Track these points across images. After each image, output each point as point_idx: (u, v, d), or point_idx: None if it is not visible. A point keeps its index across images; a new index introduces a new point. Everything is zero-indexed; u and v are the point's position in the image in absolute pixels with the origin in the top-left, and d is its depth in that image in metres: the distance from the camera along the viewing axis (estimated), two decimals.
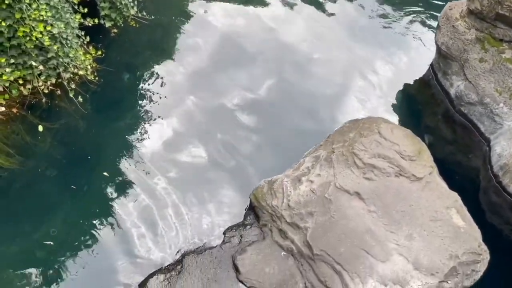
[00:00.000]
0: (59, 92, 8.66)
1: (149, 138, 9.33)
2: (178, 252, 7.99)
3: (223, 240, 7.99)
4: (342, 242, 7.44)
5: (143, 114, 9.68)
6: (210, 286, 7.40)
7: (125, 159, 8.94)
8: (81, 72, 8.66)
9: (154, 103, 9.84)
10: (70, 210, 8.27)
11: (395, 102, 10.92)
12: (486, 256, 7.61)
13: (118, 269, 7.78)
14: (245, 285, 7.43)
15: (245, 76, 10.78)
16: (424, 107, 11.05)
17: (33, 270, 7.52)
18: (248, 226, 8.11)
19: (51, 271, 7.56)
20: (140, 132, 9.38)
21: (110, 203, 8.44)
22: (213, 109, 9.99)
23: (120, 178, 8.65)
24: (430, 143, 9.84)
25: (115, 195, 8.49)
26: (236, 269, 7.55)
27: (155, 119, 9.60)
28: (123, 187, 8.56)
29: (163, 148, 9.24)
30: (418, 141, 8.52)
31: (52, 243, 7.80)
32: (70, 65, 8.50)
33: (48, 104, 8.79)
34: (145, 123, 9.53)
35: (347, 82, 11.11)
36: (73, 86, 8.54)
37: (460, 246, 7.50)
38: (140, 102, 9.86)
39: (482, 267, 7.58)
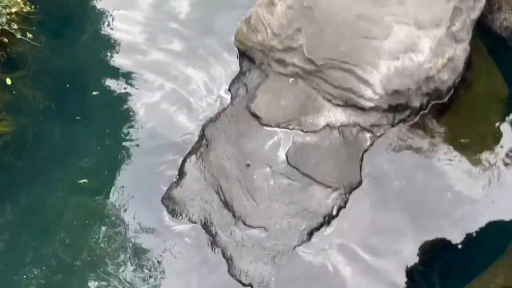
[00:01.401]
0: (6, 39, 8.19)
1: (120, 40, 8.94)
2: (197, 129, 7.92)
3: (232, 97, 7.87)
4: (339, 40, 7.16)
5: (103, 20, 9.19)
6: (239, 143, 7.37)
7: (106, 70, 8.65)
8: (14, 9, 8.10)
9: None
10: (85, 139, 8.20)
11: None
12: None
13: (154, 169, 7.79)
14: (270, 126, 7.35)
15: None
16: None
17: (77, 206, 7.68)
18: (248, 73, 7.90)
19: (93, 200, 7.70)
20: (108, 38, 8.98)
21: (115, 118, 8.37)
22: None
23: (110, 90, 8.46)
24: None
25: (113, 107, 8.38)
26: (255, 116, 7.45)
27: (118, 18, 9.12)
28: (117, 98, 8.39)
29: (138, 42, 8.91)
30: None
31: (86, 180, 7.82)
32: (0, 7, 7.93)
33: (4, 56, 8.38)
34: (110, 29, 9.08)
35: None
36: (15, 26, 8.06)
37: None
38: (94, 8, 9.27)
39: None
